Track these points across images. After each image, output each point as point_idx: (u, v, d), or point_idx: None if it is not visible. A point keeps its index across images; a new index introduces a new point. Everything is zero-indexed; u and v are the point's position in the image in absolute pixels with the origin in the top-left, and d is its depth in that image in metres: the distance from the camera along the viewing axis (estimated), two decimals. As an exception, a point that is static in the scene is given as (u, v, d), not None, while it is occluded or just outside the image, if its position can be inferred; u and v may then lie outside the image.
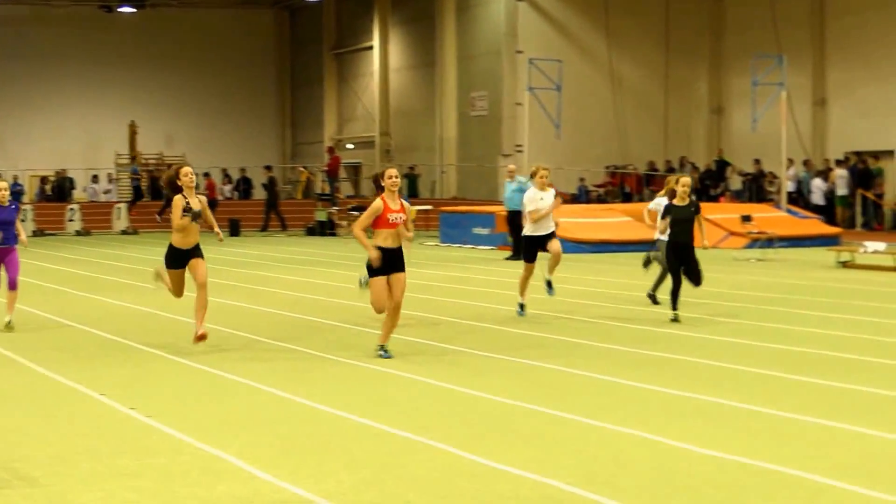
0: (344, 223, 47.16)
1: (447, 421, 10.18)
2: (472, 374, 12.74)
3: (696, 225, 16.68)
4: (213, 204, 48.76)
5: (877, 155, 45.64)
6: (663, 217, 16.81)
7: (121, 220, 47.90)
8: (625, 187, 51.08)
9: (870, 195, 44.94)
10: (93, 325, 17.14)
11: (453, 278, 27.00)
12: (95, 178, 53.89)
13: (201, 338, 13.00)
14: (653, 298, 17.72)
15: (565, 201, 46.22)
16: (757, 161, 47.72)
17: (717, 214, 39.39)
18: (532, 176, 17.24)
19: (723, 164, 49.27)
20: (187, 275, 13.73)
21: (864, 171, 45.47)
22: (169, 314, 18.23)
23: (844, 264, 30.21)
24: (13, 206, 15.24)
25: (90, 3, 59.60)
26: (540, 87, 46.60)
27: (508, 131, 50.36)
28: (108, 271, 29.93)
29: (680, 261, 16.19)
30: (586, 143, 51.01)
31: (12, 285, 15.19)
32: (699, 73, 54.13)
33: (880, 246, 32.32)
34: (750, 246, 35.55)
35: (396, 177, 12.61)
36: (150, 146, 57.10)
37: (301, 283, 27.53)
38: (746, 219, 37.20)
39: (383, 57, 60.46)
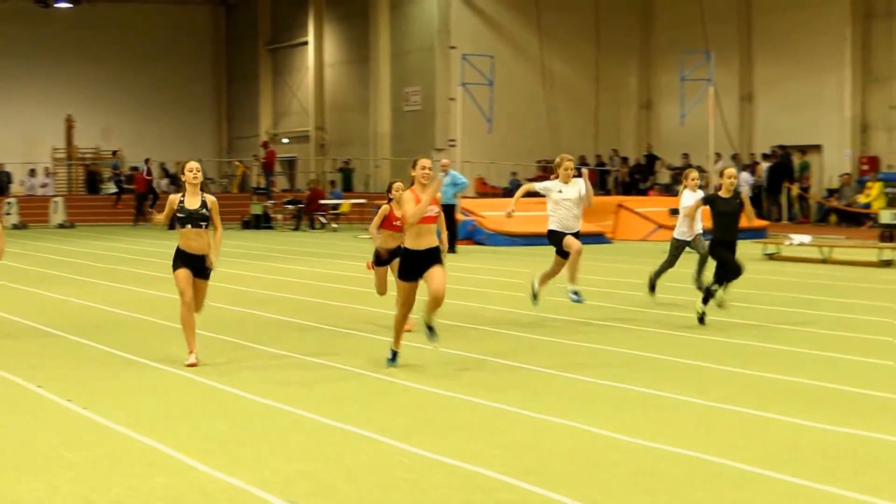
0: (279, 217, 48.07)
1: (384, 412, 10.09)
2: (409, 366, 12.49)
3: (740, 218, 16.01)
4: (144, 197, 49.04)
5: (803, 149, 46.21)
6: (709, 206, 15.77)
7: (58, 213, 47.47)
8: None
9: (795, 188, 45.22)
10: (28, 318, 16.95)
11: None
12: (33, 172, 53.47)
13: (191, 364, 11.73)
14: (707, 291, 15.98)
15: (495, 195, 48.06)
16: (685, 155, 47.77)
17: (646, 208, 40.38)
18: (557, 167, 16.27)
19: (652, 159, 49.79)
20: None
21: (788, 165, 45.73)
22: (104, 306, 18.14)
23: (771, 256, 30.56)
24: None
25: None
26: (472, 83, 46.74)
27: (441, 126, 50.50)
28: (45, 264, 29.62)
29: (726, 256, 15.50)
30: (518, 138, 51.08)
31: None
32: (629, 69, 54.50)
33: (806, 238, 32.77)
34: None
35: (430, 168, 11.67)
36: (86, 140, 56.69)
37: (238, 276, 26.49)
38: (675, 212, 37.86)
39: (318, 52, 60.41)
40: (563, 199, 15.56)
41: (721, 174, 16.11)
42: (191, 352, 11.54)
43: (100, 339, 14.42)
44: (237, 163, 58.44)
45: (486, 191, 48.77)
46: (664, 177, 49.83)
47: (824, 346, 13.38)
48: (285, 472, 7.49)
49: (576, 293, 15.68)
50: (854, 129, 45.04)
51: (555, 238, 15.83)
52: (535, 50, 52.01)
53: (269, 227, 45.51)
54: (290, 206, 47.73)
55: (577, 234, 15.76)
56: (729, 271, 15.39)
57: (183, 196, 11.55)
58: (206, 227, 11.59)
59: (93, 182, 54.05)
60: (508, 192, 45.63)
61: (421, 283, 12.69)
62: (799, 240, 32.31)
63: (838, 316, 17.59)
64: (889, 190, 38.25)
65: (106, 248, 34.80)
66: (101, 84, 62.36)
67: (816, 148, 46.34)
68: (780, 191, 45.94)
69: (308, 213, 46.73)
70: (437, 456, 7.99)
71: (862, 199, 41.51)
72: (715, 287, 15.49)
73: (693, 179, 17.49)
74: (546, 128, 50.78)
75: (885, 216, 35.77)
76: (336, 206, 46.55)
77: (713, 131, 44.62)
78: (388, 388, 11.29)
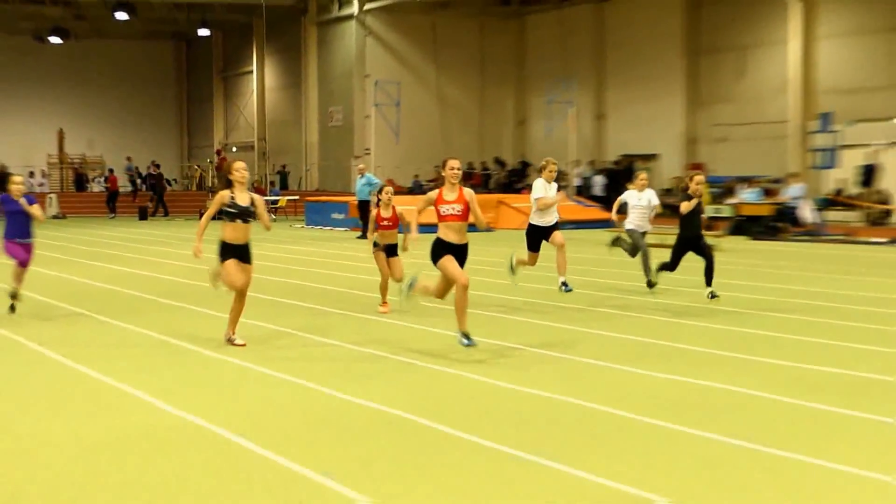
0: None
1: (311, 362, 10.82)
2: (342, 326, 13.21)
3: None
4: (114, 196, 50.13)
5: (645, 157, 48.27)
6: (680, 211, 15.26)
7: (52, 207, 48.04)
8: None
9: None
10: (30, 291, 17.07)
11: (319, 253, 28.86)
12: (31, 174, 54.35)
13: (233, 343, 11.37)
14: (652, 285, 16.06)
15: (398, 192, 48.78)
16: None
17: (520, 203, 41.34)
18: (541, 170, 15.55)
19: (525, 164, 52.46)
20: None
21: (630, 169, 45.93)
22: (90, 281, 19.53)
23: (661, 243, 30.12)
24: (29, 199, 13.81)
25: (26, 35, 60.98)
26: (383, 104, 50.50)
27: (359, 138, 52.45)
28: (43, 248, 30.93)
29: (691, 249, 15.28)
30: (419, 148, 52.71)
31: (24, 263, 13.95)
32: (507, 93, 56.61)
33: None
34: None
35: (458, 168, 10.79)
36: (74, 148, 58.60)
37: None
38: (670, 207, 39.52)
39: (260, 79, 62.44)
40: (540, 197, 15.10)
41: (691, 179, 15.43)
42: (233, 333, 11.28)
43: (89, 308, 14.95)
44: (196, 167, 60.45)
45: (395, 189, 47.66)
46: (534, 179, 50.90)
47: (675, 312, 14.18)
48: (235, 412, 8.18)
49: (565, 283, 15.14)
50: (684, 142, 47.48)
51: (535, 231, 15.33)
52: (432, 78, 54.41)
53: (222, 218, 45.67)
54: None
55: (555, 226, 15.23)
56: (706, 256, 15.12)
57: (233, 193, 11.00)
58: (252, 221, 11.16)
59: (80, 182, 55.72)
60: (412, 191, 48.69)
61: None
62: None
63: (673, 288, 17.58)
64: (712, 190, 38.61)
65: (93, 235, 35.77)
66: (86, 103, 64.17)
67: (655, 156, 48.32)
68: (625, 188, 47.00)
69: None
70: (357, 399, 8.50)
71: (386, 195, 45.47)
72: (652, 282, 15.76)
73: (642, 180, 16.75)
74: (441, 140, 53.09)
75: (709, 210, 37.94)
76: (275, 202, 47.83)
77: (573, 143, 48.31)
78: (319, 345, 11.64)
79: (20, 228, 13.47)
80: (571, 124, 48.61)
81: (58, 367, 10.68)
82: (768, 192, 37.94)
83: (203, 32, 63.71)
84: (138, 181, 55.41)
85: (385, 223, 14.01)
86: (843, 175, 39.71)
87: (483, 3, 54.37)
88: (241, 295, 11.09)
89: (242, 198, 10.85)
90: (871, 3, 41.26)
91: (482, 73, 56.10)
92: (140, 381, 9.19)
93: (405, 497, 6.33)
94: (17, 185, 13.54)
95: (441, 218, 10.44)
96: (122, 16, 56.02)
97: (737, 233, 34.52)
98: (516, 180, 51.01)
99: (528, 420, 8.04)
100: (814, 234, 34.45)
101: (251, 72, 63.23)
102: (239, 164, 11.16)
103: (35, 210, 13.50)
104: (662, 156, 47.98)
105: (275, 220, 45.98)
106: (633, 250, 16.23)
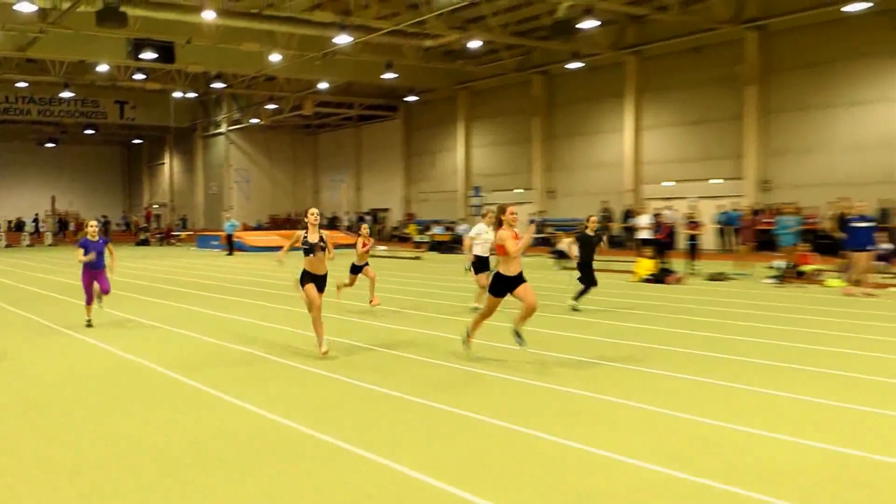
0: (152, 240, 50.15)
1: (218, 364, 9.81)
2: (217, 329, 12.19)
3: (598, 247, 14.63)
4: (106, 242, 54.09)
5: (383, 210, 54.35)
6: (577, 242, 14.00)
7: (48, 240, 50.07)
8: (281, 225, 54.68)
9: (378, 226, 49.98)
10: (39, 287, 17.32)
11: (204, 265, 29.90)
12: (35, 221, 59.38)
13: (325, 353, 9.75)
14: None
15: (248, 229, 48.33)
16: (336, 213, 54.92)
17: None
18: (484, 216, 14.34)
19: (332, 219, 55.25)
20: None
21: (375, 216, 53.21)
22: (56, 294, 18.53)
23: (371, 255, 20.80)
24: (102, 241, 12.22)
25: (31, 142, 65.10)
26: (239, 180, 58.49)
27: (226, 199, 57.69)
28: (40, 266, 30.65)
29: (589, 274, 14.10)
30: (260, 206, 59.38)
31: (105, 291, 12.41)
32: (308, 175, 62.84)
33: (383, 247, 38.07)
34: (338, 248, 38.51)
35: (516, 212, 9.40)
36: (60, 206, 59.91)
37: (134, 268, 29.47)
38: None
39: (170, 168, 67.19)
40: (487, 239, 13.63)
41: (587, 220, 14.53)
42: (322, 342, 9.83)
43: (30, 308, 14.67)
44: (133, 216, 63.42)
45: (245, 229, 49.07)
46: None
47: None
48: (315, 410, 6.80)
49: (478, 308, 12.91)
50: (404, 202, 51.62)
51: (480, 261, 14.02)
52: (267, 167, 60.80)
53: (147, 244, 48.68)
54: (158, 235, 53.05)
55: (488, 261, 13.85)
56: (588, 282, 14.14)
57: (306, 233, 9.83)
58: (324, 252, 9.77)
59: (63, 226, 57.02)
60: (259, 228, 52.66)
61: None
62: (381, 248, 37.08)
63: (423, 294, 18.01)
64: (419, 227, 44.02)
65: (53, 258, 35.03)
66: (67, 182, 67.25)
67: (388, 209, 54.00)
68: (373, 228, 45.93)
69: (166, 237, 52.67)
70: (237, 400, 7.25)
71: (409, 230, 45.39)
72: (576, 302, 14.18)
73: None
74: (272, 201, 60.26)
75: (418, 238, 41.71)
76: (177, 235, 52.95)
77: (345, 202, 55.58)
78: (215, 349, 10.16)
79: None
80: (344, 192, 55.89)
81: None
82: (448, 228, 41.54)
83: (137, 141, 68.35)
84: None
85: (364, 250, 13.32)
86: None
87: (295, 127, 59.35)
88: (318, 311, 9.71)
89: (313, 236, 9.74)
90: (504, 125, 45.22)
91: (294, 165, 61.86)
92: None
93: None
94: (92, 229, 12.23)
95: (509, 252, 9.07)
96: (89, 131, 59.87)
97: (432, 251, 37.39)
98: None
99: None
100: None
101: (164, 163, 67.25)
102: (313, 210, 10.00)
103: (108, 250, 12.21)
104: (392, 209, 53.44)
105: (178, 245, 47.93)
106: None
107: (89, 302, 12.46)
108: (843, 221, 18.63)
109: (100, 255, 12.20)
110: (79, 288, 12.77)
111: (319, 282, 9.95)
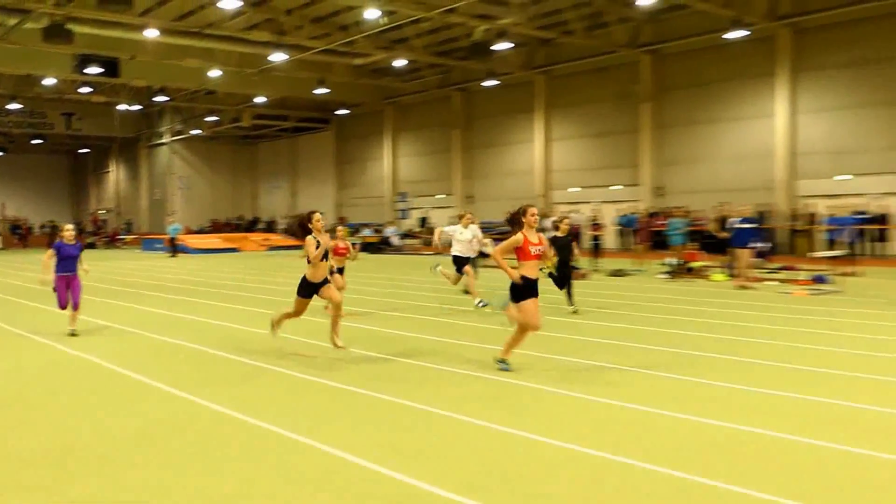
0: (99, 243, 48.57)
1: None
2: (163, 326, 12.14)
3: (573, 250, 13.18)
4: (26, 237, 49.61)
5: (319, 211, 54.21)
6: (552, 244, 11.43)
7: None
8: (220, 228, 53.21)
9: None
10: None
11: (150, 266, 29.54)
12: None
13: (342, 347, 8.92)
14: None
15: (191, 233, 47.36)
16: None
17: (256, 238, 44.11)
18: (460, 218, 13.71)
19: (256, 219, 57.20)
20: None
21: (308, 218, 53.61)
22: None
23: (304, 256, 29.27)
24: (78, 245, 10.95)
25: None
26: (182, 187, 57.00)
27: (169, 205, 56.52)
28: None
29: (564, 274, 12.80)
30: (200, 210, 57.60)
31: (75, 306, 10.91)
32: (247, 182, 61.23)
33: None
34: (272, 249, 40.82)
35: (536, 214, 7.93)
36: (10, 212, 57.86)
37: (112, 265, 30.16)
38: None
39: (116, 175, 65.15)
40: (462, 238, 13.37)
41: (561, 222, 13.20)
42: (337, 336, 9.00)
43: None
44: (80, 222, 58.74)
45: (188, 232, 47.02)
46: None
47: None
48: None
49: (481, 301, 13.12)
50: (336, 206, 50.88)
51: (457, 260, 13.49)
52: (208, 174, 59.12)
53: (93, 247, 46.84)
54: (104, 239, 51.52)
55: (469, 259, 13.49)
56: (563, 281, 12.88)
57: (318, 239, 8.69)
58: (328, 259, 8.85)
59: (15, 230, 54.36)
60: (202, 231, 50.89)
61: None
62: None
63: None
64: (350, 231, 36.62)
65: (27, 261, 33.71)
66: (16, 189, 63.86)
67: (322, 213, 52.40)
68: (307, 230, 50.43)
69: (112, 241, 51.21)
70: (203, 398, 6.52)
71: (340, 232, 45.01)
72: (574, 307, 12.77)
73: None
74: (211, 205, 58.50)
75: (350, 240, 36.62)
76: (123, 239, 51.27)
77: (283, 207, 54.79)
78: (160, 344, 9.77)
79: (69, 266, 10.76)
80: (282, 199, 56.54)
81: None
82: (377, 230, 41.21)
83: (84, 151, 66.02)
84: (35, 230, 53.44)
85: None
86: (411, 223, 43.10)
87: (234, 137, 57.85)
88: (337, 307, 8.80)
89: (323, 241, 8.60)
90: (427, 136, 44.53)
91: (234, 172, 60.43)
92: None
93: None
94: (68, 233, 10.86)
95: (532, 256, 7.76)
96: (37, 141, 58.59)
97: (363, 251, 31.72)
98: (252, 226, 55.66)
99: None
100: (397, 251, 37.07)
101: (110, 171, 65.50)
102: (317, 215, 8.79)
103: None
104: (325, 213, 43.24)
105: (123, 248, 47.10)
106: (458, 270, 13.65)
107: (62, 306, 11.10)
108: (724, 222, 19.11)
109: (74, 259, 11.01)
110: (31, 290, 11.76)
111: (321, 286, 9.02)
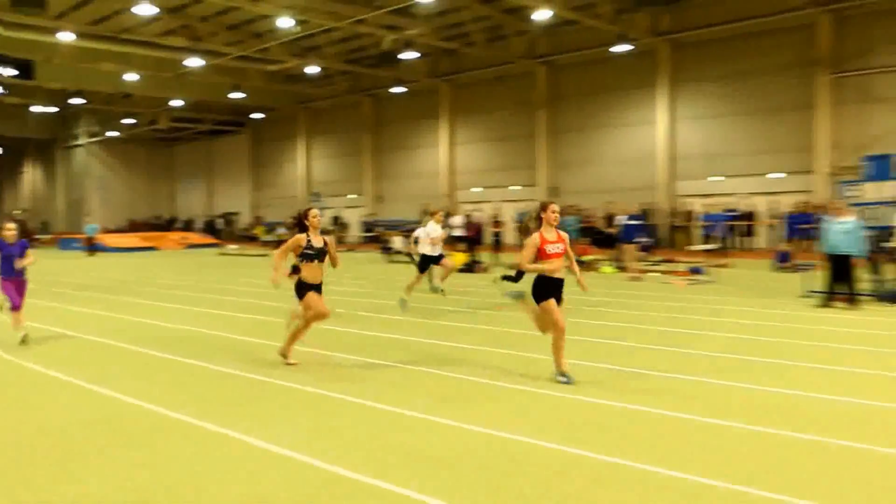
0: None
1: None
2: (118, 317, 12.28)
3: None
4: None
5: (234, 213, 51.65)
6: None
7: None
8: (138, 228, 51.03)
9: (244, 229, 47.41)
10: None
11: (68, 265, 28.45)
12: None
13: (291, 363, 7.75)
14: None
15: (109, 232, 45.49)
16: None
17: (175, 236, 42.95)
18: (432, 214, 12.91)
19: (173, 219, 55.98)
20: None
21: (229, 219, 50.69)
22: None
23: (223, 254, 32.54)
24: (20, 244, 9.49)
25: None
26: (99, 187, 55.39)
27: (87, 205, 54.32)
28: None
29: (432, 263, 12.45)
30: (120, 210, 55.94)
31: (17, 307, 9.60)
32: (163, 181, 59.15)
33: (234, 247, 38.10)
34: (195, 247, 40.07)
35: (557, 211, 6.96)
36: None
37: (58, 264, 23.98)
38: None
39: (31, 177, 63.35)
40: (434, 236, 12.68)
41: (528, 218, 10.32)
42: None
43: None
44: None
45: (105, 232, 45.02)
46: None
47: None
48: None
49: (439, 289, 12.79)
50: (252, 206, 50.47)
51: (426, 259, 12.77)
52: (125, 174, 57.30)
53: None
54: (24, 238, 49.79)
55: (440, 257, 12.75)
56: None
57: (309, 237, 7.55)
58: (324, 261, 7.58)
59: None
60: (119, 230, 49.02)
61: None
62: (233, 248, 36.77)
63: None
64: (265, 229, 41.32)
65: None
66: None
67: (238, 213, 52.05)
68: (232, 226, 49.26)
69: (30, 240, 43.48)
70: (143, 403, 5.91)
71: (257, 231, 43.14)
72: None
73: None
74: (129, 205, 56.81)
75: (266, 237, 39.52)
76: (39, 238, 46.88)
77: (199, 206, 54.38)
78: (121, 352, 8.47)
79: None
80: (199, 199, 55.27)
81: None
82: (289, 229, 31.74)
83: None
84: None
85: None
86: (325, 221, 35.01)
87: (152, 139, 56.10)
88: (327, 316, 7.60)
89: (317, 241, 7.54)
90: (339, 139, 44.13)
91: (151, 173, 58.80)
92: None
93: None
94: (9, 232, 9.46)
95: (549, 255, 6.75)
96: None
97: (275, 248, 29.36)
98: (170, 225, 54.55)
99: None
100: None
101: (26, 172, 63.78)
102: (315, 211, 7.67)
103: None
104: (241, 212, 51.82)
105: (41, 248, 39.97)
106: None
107: (16, 307, 9.62)
108: (612, 220, 19.83)
109: (12, 259, 9.47)
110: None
111: (318, 291, 7.81)
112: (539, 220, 7.01)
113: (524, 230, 7.09)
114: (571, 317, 11.20)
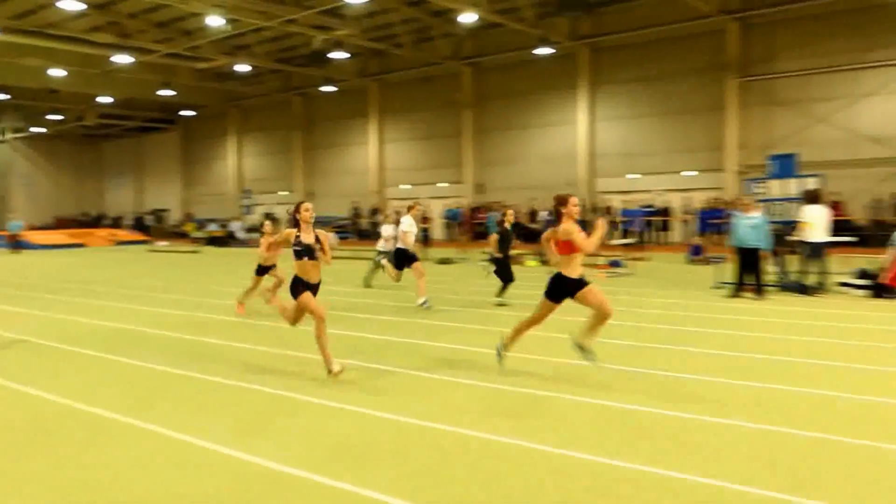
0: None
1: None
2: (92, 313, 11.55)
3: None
4: None
5: (164, 210, 50.14)
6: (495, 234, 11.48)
7: None
8: (66, 224, 49.72)
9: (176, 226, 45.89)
10: None
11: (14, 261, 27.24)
12: None
13: (338, 373, 6.77)
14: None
15: (34, 229, 43.05)
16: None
17: (103, 234, 41.24)
18: (409, 210, 12.31)
19: (101, 216, 53.46)
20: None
21: (160, 215, 49.44)
22: None
23: (153, 250, 31.64)
24: None
25: None
26: (26, 184, 52.62)
27: (11, 203, 50.70)
28: None
29: (507, 269, 11.88)
30: (46, 207, 53.42)
31: None
32: (89, 177, 56.43)
33: (165, 243, 36.18)
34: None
35: (578, 204, 6.78)
36: None
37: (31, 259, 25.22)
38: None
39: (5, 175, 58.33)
40: (412, 231, 12.15)
41: (504, 214, 12.23)
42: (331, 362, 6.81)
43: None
44: None
45: (31, 228, 42.95)
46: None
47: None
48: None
49: (425, 301, 11.44)
50: (181, 203, 49.05)
51: (402, 254, 12.15)
52: (54, 172, 54.96)
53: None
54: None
55: (416, 256, 12.14)
56: (507, 277, 11.81)
57: (299, 232, 6.85)
58: (317, 257, 6.79)
59: None
60: (45, 227, 46.76)
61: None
62: (163, 245, 35.27)
63: None
64: (196, 226, 40.29)
65: None
66: None
67: (168, 210, 50.15)
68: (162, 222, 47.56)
69: None
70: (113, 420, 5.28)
71: (187, 227, 42.13)
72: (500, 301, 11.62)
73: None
74: (56, 202, 54.60)
75: (193, 234, 38.95)
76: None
77: (131, 202, 52.84)
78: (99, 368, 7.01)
79: None
80: (128, 196, 53.33)
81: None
82: (223, 225, 38.62)
83: None
84: None
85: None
86: (255, 218, 37.93)
87: (79, 136, 54.13)
88: (324, 320, 6.74)
89: (308, 236, 6.83)
90: (270, 137, 43.44)
91: (79, 170, 56.57)
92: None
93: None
94: None
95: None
96: None
97: (209, 245, 35.48)
98: (98, 222, 51.57)
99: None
100: (242, 244, 34.12)
101: None
102: (307, 205, 6.97)
103: None
104: (171, 209, 50.60)
105: None
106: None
107: None
108: (535, 215, 20.00)
109: None
110: None
111: (314, 291, 6.96)
112: (559, 215, 6.73)
113: (552, 222, 6.95)
114: (488, 309, 11.44)
